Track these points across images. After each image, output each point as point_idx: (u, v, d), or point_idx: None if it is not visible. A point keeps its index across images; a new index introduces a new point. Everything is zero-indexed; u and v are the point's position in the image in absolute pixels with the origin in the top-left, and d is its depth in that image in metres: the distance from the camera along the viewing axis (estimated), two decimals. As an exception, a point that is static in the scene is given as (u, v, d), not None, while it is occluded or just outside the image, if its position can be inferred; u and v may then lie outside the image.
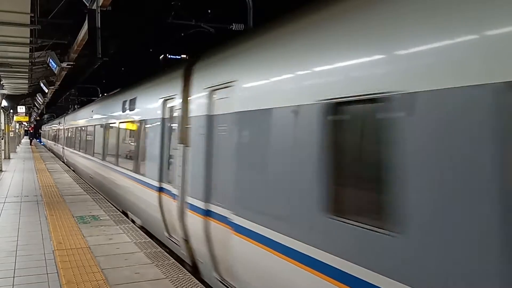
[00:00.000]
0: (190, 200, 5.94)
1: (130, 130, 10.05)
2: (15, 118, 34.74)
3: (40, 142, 75.87)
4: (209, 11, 18.45)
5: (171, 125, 7.07)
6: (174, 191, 6.50)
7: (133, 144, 9.48)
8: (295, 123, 3.71)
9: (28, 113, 40.12)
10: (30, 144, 57.46)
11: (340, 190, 3.25)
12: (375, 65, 2.92)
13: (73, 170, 20.64)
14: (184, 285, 5.21)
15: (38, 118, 74.08)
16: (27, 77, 17.12)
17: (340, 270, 3.12)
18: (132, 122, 9.66)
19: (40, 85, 19.63)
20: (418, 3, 2.71)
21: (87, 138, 16.47)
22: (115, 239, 7.35)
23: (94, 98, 38.35)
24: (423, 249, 2.52)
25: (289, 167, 3.75)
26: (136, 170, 8.90)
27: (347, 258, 3.08)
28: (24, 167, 21.32)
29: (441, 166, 2.42)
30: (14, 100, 27.13)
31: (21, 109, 31.69)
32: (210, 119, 5.51)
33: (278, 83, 4.06)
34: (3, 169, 19.85)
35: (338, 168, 3.26)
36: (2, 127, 23.21)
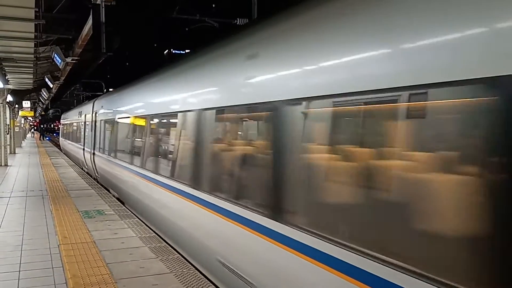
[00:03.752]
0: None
1: None
2: (20, 113, 34.87)
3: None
4: (213, 5, 18.43)
5: None
6: None
7: None
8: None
9: (33, 108, 40.26)
10: (41, 139, 53.88)
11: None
12: None
13: None
14: (188, 280, 5.23)
15: (43, 113, 74.27)
16: (32, 72, 17.16)
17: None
18: None
19: (45, 80, 19.69)
20: None
21: None
22: (120, 234, 7.37)
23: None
24: None
25: None
26: None
27: None
28: (29, 162, 21.42)
29: None
30: (19, 95, 27.24)
31: (26, 104, 31.77)
32: None
33: None
34: (8, 164, 19.96)
35: None
36: (8, 122, 23.31)
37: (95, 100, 17.29)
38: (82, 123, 19.67)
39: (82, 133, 19.39)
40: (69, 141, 26.72)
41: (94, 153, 15.60)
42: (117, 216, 8.77)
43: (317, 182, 3.59)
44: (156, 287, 5.04)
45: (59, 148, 39.58)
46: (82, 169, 18.71)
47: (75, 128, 23.43)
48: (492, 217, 2.21)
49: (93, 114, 16.32)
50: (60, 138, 35.89)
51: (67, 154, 27.88)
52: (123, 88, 12.44)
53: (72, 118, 25.93)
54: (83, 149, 18.43)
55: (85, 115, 18.82)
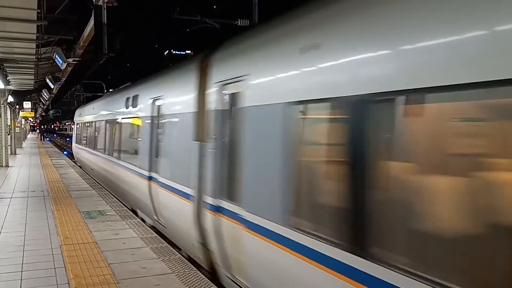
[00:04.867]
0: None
1: None
2: (21, 113, 34.91)
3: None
4: (214, 6, 18.49)
5: None
6: None
7: None
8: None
9: (34, 108, 40.31)
10: (42, 140, 53.77)
11: None
12: None
13: None
14: (190, 280, 5.25)
15: (43, 113, 74.33)
16: (33, 73, 17.19)
17: None
18: None
19: (46, 81, 19.71)
20: None
21: None
22: (121, 234, 7.39)
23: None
24: None
25: None
26: None
27: None
28: (30, 163, 21.45)
29: None
30: (20, 95, 27.28)
31: (27, 104, 31.82)
32: None
33: None
34: (9, 165, 19.98)
35: None
36: (9, 123, 23.33)
37: (215, 54, 6.10)
38: (146, 121, 8.97)
39: (146, 143, 8.79)
40: (95, 153, 15.55)
41: (219, 210, 5.52)
42: (118, 217, 8.79)
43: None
44: (158, 287, 5.06)
45: (59, 149, 39.23)
46: (135, 213, 9.60)
47: (115, 130, 12.33)
48: None
49: (220, 95, 5.71)
50: (74, 145, 23.74)
51: (90, 171, 17.40)
52: None
53: (105, 113, 14.29)
54: (150, 177, 8.44)
55: (155, 104, 8.49)
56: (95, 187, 12.99)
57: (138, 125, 9.74)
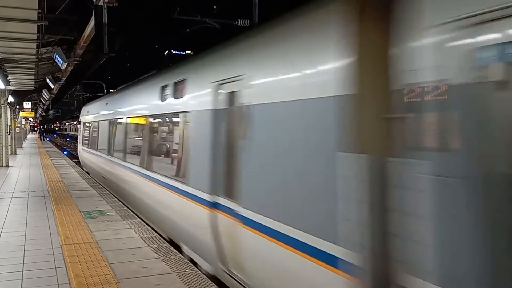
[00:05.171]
0: None
1: None
2: (21, 113, 34.92)
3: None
4: (214, 6, 18.51)
5: None
6: None
7: None
8: None
9: (34, 108, 40.32)
10: (41, 139, 54.17)
11: None
12: None
13: None
14: (191, 280, 5.25)
15: (43, 114, 74.34)
16: (34, 73, 17.20)
17: None
18: None
19: (46, 81, 19.72)
20: None
21: None
22: (122, 234, 7.40)
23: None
24: None
25: None
26: None
27: None
28: (30, 163, 21.44)
29: None
30: (20, 95, 27.30)
31: (27, 104, 31.83)
32: None
33: None
34: (10, 165, 19.98)
35: None
36: (9, 123, 23.33)
37: None
38: (204, 117, 5.98)
39: (205, 151, 5.84)
40: (110, 159, 12.63)
41: None
42: (119, 217, 8.79)
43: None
44: (158, 287, 5.06)
45: (59, 149, 39.27)
46: (176, 247, 7.02)
47: (143, 131, 9.38)
48: None
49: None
50: (80, 148, 20.42)
51: (101, 180, 14.56)
52: None
53: (126, 109, 11.40)
54: (213, 205, 5.58)
55: (223, 90, 5.49)
56: (96, 187, 12.99)
57: (185, 124, 6.85)
